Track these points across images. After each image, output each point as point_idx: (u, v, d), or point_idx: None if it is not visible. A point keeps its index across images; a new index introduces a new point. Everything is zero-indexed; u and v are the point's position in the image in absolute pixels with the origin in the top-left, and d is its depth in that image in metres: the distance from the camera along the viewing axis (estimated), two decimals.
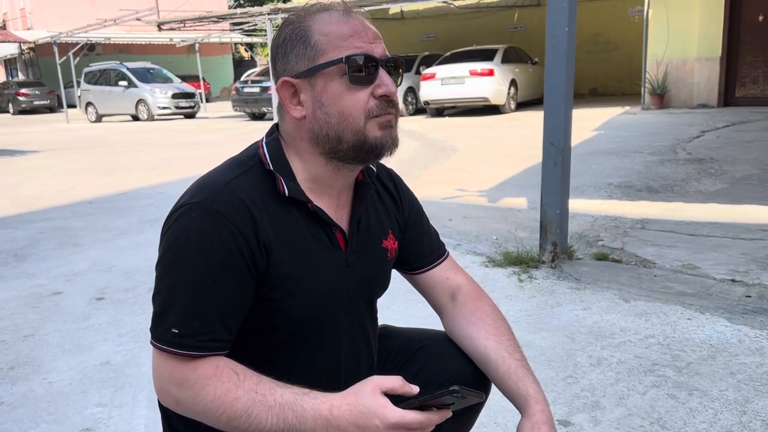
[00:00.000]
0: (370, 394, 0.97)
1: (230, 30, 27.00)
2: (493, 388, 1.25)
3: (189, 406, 1.00)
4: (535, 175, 5.90)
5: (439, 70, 13.56)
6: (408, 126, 11.93)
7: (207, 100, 22.70)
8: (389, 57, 1.06)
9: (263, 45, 35.56)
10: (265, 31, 18.40)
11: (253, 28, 26.47)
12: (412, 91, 14.90)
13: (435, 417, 0.96)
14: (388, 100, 1.04)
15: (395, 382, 0.98)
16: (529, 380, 1.21)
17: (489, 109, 13.69)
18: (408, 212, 1.29)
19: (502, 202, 5.07)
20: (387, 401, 0.96)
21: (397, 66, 1.08)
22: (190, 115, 18.88)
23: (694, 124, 9.46)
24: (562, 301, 2.89)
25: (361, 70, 1.01)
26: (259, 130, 12.97)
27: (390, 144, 1.07)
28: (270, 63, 1.11)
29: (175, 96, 18.44)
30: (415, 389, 0.98)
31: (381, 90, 1.03)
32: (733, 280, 3.03)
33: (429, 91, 13.72)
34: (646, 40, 12.16)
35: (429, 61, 14.98)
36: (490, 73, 13.17)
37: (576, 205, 3.47)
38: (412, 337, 1.35)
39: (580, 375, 2.24)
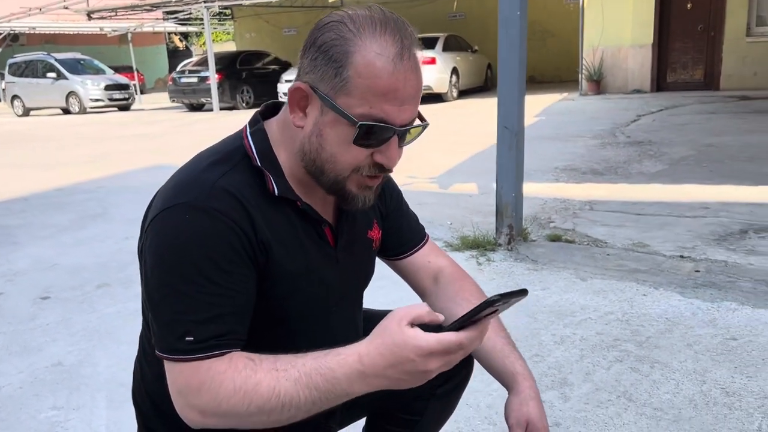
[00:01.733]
0: (397, 329, 0.87)
1: (164, 19, 26.21)
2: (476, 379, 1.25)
3: (215, 412, 0.91)
4: (484, 160, 5.98)
5: None
6: None
7: (141, 92, 21.93)
8: (409, 126, 0.97)
9: (198, 34, 34.70)
10: (201, 19, 17.93)
11: (187, 16, 25.77)
12: None
13: (474, 333, 0.86)
14: (382, 167, 0.99)
15: (421, 310, 0.89)
16: (515, 357, 1.21)
17: (431, 98, 13.76)
18: (389, 199, 1.27)
19: (453, 188, 5.10)
20: (417, 330, 0.87)
21: (416, 131, 1.00)
22: (125, 108, 18.22)
23: (630, 108, 9.78)
24: (521, 282, 2.93)
25: (370, 137, 0.94)
26: (200, 121, 12.67)
27: (362, 204, 1.03)
28: (304, 43, 0.99)
29: (108, 88, 17.74)
30: (441, 317, 0.90)
31: (380, 159, 0.97)
32: (681, 256, 3.14)
33: None
34: (582, 28, 12.47)
35: None
36: (432, 61, 13.22)
37: (526, 188, 3.52)
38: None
39: (545, 353, 2.27)
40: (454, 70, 13.97)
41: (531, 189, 4.68)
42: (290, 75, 14.74)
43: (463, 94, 14.63)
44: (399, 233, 1.27)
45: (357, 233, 1.16)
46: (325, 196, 1.07)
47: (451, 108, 12.41)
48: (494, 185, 3.39)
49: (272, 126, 1.06)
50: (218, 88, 14.98)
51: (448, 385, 1.30)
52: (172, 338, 0.92)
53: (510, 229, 3.34)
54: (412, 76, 0.92)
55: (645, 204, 4.19)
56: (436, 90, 13.43)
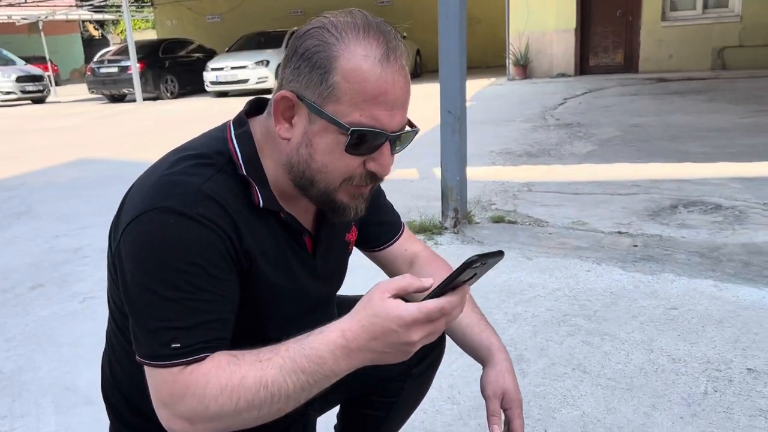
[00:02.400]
0: (378, 301, 0.85)
1: (77, 6, 24.97)
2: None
3: (203, 416, 0.87)
4: (420, 146, 6.03)
5: None
6: None
7: (56, 84, 20.83)
8: (401, 132, 0.95)
9: (116, 22, 33.27)
10: (118, 6, 17.14)
11: (103, 4, 24.64)
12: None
13: (455, 298, 0.84)
14: (373, 176, 0.96)
15: (403, 281, 0.86)
16: (490, 332, 1.23)
17: None
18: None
19: (395, 174, 5.09)
20: (398, 301, 0.84)
21: (408, 137, 0.98)
22: (39, 100, 17.28)
23: (556, 92, 10.07)
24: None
25: (362, 145, 0.91)
26: (123, 113, 12.19)
27: (353, 214, 1.00)
28: (285, 53, 0.95)
29: (20, 79, 16.78)
30: (428, 282, 0.87)
31: (373, 167, 0.94)
32: (619, 232, 3.27)
33: None
34: (508, 14, 12.73)
35: None
36: None
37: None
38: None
39: (500, 331, 2.29)
40: None
41: (470, 173, 4.71)
42: (216, 63, 14.39)
43: None
44: (377, 227, 1.27)
45: (336, 239, 1.15)
46: (306, 206, 1.05)
47: None
48: (435, 170, 3.43)
49: (256, 130, 1.01)
50: (141, 78, 14.45)
51: (423, 365, 1.31)
52: (156, 345, 0.88)
53: (456, 212, 3.38)
54: (400, 78, 0.90)
55: (580, 184, 4.33)
56: None
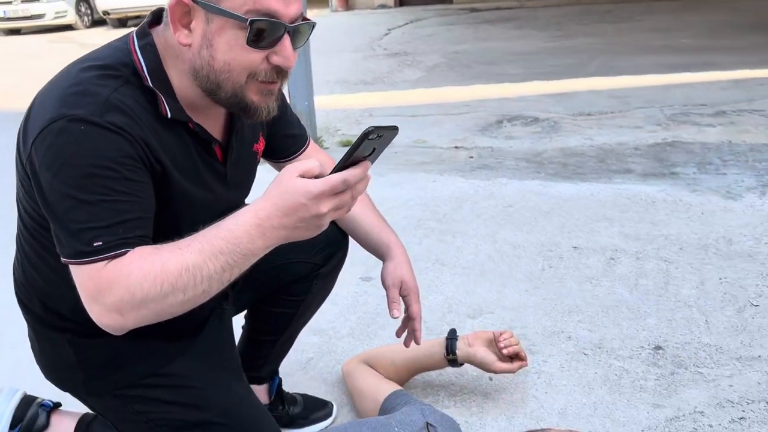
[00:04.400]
0: (288, 180, 0.89)
1: None
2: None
3: (131, 303, 0.91)
4: None
5: None
6: (91, 40, 10.73)
7: None
8: (299, 23, 0.96)
9: None
10: None
11: None
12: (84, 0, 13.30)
13: (358, 171, 0.88)
14: (279, 70, 0.98)
15: (308, 163, 0.90)
16: (389, 231, 1.39)
17: None
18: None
19: None
20: (306, 179, 0.88)
21: (306, 31, 0.99)
22: None
23: (379, 23, 10.30)
24: None
25: (262, 36, 0.93)
26: None
27: (265, 112, 1.02)
28: None
29: None
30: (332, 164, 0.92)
31: (277, 60, 0.96)
32: (456, 147, 3.59)
33: (107, 0, 12.39)
34: None
35: None
36: None
37: None
38: None
39: None
40: None
41: None
42: None
43: None
44: (285, 139, 1.32)
45: (245, 149, 1.19)
46: (215, 115, 1.08)
47: None
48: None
49: (158, 41, 1.01)
50: None
51: (329, 265, 1.44)
52: (79, 244, 0.91)
53: None
54: None
55: (415, 107, 4.61)
56: None
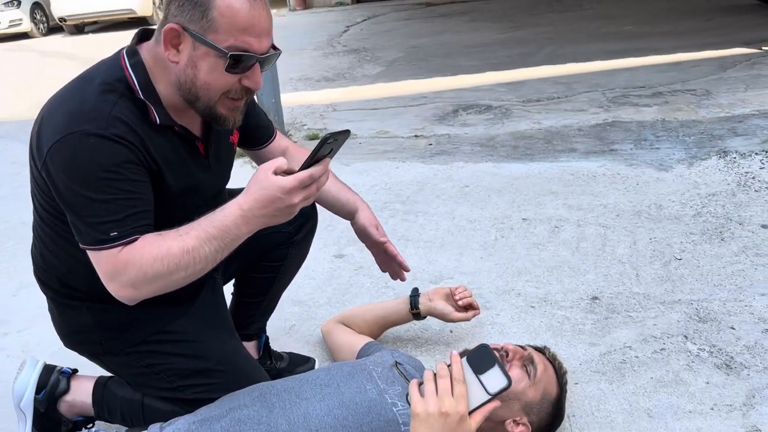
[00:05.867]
0: (264, 178, 1.10)
1: None
2: None
3: (144, 280, 1.13)
4: None
5: None
6: (49, 47, 10.72)
7: None
8: (268, 54, 1.18)
9: None
10: None
11: None
12: (39, 7, 13.17)
13: (320, 167, 1.10)
14: (248, 90, 1.21)
15: (278, 161, 1.12)
16: (353, 193, 1.64)
17: (136, 22, 12.94)
18: None
19: None
20: (279, 176, 1.09)
21: (273, 58, 1.22)
22: None
23: (338, 20, 10.49)
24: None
25: (238, 65, 1.15)
26: None
27: (232, 124, 1.26)
28: None
29: None
30: (296, 168, 1.12)
31: (248, 84, 1.19)
32: (416, 136, 3.84)
33: (63, 7, 12.27)
34: None
35: None
36: None
37: None
38: None
39: (335, 223, 2.74)
40: None
41: None
42: None
43: None
44: (257, 129, 1.56)
45: (222, 141, 1.41)
46: (195, 117, 1.30)
47: None
48: None
49: (146, 57, 1.22)
50: None
51: (302, 233, 1.68)
52: (98, 234, 1.14)
53: None
54: (264, 13, 1.16)
55: (376, 100, 4.85)
56: (141, 13, 12.62)
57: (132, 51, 1.24)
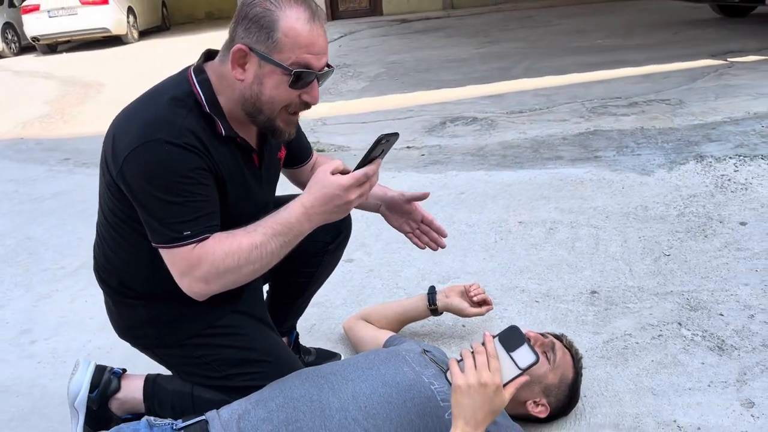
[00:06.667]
0: (323, 177, 1.23)
1: None
2: None
3: (216, 274, 1.25)
4: None
5: (44, 1, 12.19)
6: (24, 67, 10.66)
7: None
8: (325, 71, 1.30)
9: None
10: None
11: None
12: (10, 26, 13.09)
13: (374, 167, 1.23)
14: (306, 104, 1.32)
15: (336, 163, 1.26)
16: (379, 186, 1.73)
17: (110, 41, 12.94)
18: None
19: None
20: (337, 175, 1.22)
21: (329, 74, 1.33)
22: None
23: None
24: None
25: (300, 81, 1.26)
26: None
27: (287, 136, 1.37)
28: (234, 18, 1.28)
29: None
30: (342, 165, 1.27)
31: (307, 98, 1.31)
32: (408, 147, 3.99)
33: (36, 26, 12.26)
34: None
35: None
36: (104, 1, 12.36)
37: None
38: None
39: None
40: (130, 10, 13.25)
41: None
42: None
43: (143, 34, 14.01)
44: (299, 149, 1.69)
45: (272, 155, 1.54)
46: (251, 130, 1.42)
47: (138, 49, 11.89)
48: None
49: (211, 74, 1.34)
50: None
51: (336, 243, 1.81)
52: (173, 233, 1.25)
53: None
54: (322, 33, 1.28)
55: (364, 114, 5.00)
56: (115, 32, 12.66)
57: (199, 69, 1.36)
